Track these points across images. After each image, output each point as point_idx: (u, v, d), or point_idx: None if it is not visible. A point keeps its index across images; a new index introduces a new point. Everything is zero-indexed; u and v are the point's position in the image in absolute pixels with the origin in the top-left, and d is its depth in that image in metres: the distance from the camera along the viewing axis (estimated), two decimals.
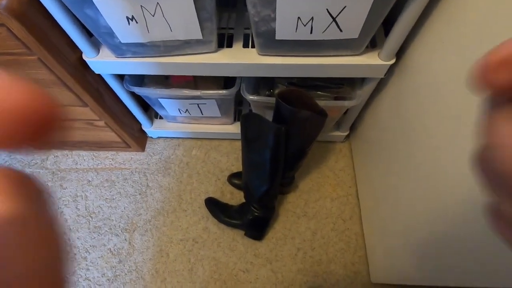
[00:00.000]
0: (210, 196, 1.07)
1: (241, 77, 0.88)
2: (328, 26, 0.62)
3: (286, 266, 0.97)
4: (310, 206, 1.06)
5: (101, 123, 0.95)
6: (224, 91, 0.87)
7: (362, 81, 0.85)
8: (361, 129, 1.04)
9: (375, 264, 0.92)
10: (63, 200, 1.10)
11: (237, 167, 1.14)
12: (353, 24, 0.62)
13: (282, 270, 0.97)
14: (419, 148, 0.66)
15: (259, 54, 0.74)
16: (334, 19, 0.61)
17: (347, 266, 0.97)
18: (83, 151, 1.19)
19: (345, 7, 0.58)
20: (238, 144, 1.18)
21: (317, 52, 0.72)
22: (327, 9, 0.58)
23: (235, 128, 1.12)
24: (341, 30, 0.64)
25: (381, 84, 0.83)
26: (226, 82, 0.97)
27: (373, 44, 0.74)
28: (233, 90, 0.87)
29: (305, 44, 0.68)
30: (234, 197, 1.09)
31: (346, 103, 0.84)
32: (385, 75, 0.75)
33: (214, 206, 1.03)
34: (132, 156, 1.17)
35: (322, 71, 0.75)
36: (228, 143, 1.19)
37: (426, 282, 0.71)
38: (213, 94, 0.88)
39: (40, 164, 1.17)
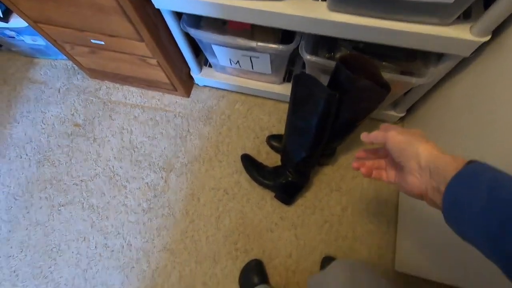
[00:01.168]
0: (246, 152, 1.07)
1: (301, 34, 0.81)
2: None
3: (310, 234, 0.98)
4: (346, 182, 1.03)
5: (153, 61, 0.96)
6: (280, 46, 0.81)
7: (439, 57, 0.74)
8: (421, 113, 0.95)
9: (402, 253, 0.89)
10: (110, 130, 1.17)
11: (278, 129, 1.11)
12: None
13: (305, 237, 0.98)
14: (496, 152, 0.58)
15: (329, 9, 0.66)
16: None
17: (372, 248, 0.95)
18: (132, 87, 1.22)
19: None
20: (283, 106, 1.14)
21: (397, 15, 0.62)
22: None
23: (282, 89, 1.08)
24: None
25: (462, 64, 0.72)
26: (283, 37, 0.90)
27: (467, 15, 0.63)
28: (290, 47, 0.81)
29: (386, 3, 0.59)
30: (270, 158, 1.08)
31: (414, 80, 0.75)
32: (471, 54, 0.65)
33: (249, 163, 1.04)
34: (177, 100, 1.19)
35: (398, 39, 0.66)
36: (272, 103, 1.15)
37: (449, 282, 0.67)
38: (269, 48, 0.82)
39: (94, 93, 1.23)
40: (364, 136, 0.43)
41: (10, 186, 1.14)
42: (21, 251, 1.05)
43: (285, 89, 1.07)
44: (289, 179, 0.94)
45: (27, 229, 1.08)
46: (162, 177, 1.09)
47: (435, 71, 0.74)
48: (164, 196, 1.07)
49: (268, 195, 1.03)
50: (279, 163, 1.00)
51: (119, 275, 0.99)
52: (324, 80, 0.88)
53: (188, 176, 1.08)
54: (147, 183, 1.09)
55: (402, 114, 1.01)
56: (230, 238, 1.00)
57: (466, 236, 0.29)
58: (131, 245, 1.03)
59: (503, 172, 0.29)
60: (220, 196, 1.05)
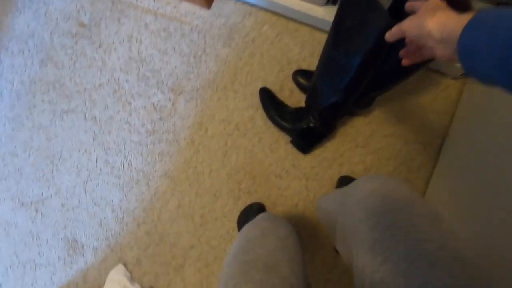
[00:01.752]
0: (267, 86, 0.92)
1: None
2: None
3: (322, 189, 0.88)
4: (375, 139, 0.88)
5: None
6: None
7: None
8: None
9: None
10: (118, 37, 1.02)
11: (309, 63, 0.93)
12: None
13: (316, 191, 0.89)
14: None
15: None
16: None
17: None
18: None
19: None
20: (320, 36, 0.93)
21: None
22: None
23: (324, 13, 0.86)
24: None
25: None
26: None
27: None
28: None
29: None
30: (293, 97, 0.93)
31: None
32: None
33: (268, 99, 0.90)
34: (196, 11, 1.00)
35: None
36: (307, 31, 0.94)
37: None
38: None
39: None
40: (388, 36, 0.44)
41: (13, 83, 1.07)
42: (25, 151, 1.03)
43: (328, 14, 0.85)
44: (311, 125, 0.80)
45: (30, 130, 1.04)
46: (170, 99, 0.98)
47: None
48: (170, 120, 0.97)
49: (283, 139, 0.91)
50: (303, 104, 0.86)
51: (118, 192, 0.97)
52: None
53: (198, 102, 0.97)
54: (154, 103, 0.99)
55: None
56: (234, 176, 0.93)
57: (492, 79, 0.30)
58: (131, 165, 0.98)
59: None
60: (230, 130, 0.94)
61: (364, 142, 0.88)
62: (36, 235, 0.99)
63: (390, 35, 0.43)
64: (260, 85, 0.93)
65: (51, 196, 1.00)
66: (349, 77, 0.64)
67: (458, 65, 0.79)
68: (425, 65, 0.63)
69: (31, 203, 1.01)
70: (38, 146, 1.03)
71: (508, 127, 0.59)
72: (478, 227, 0.59)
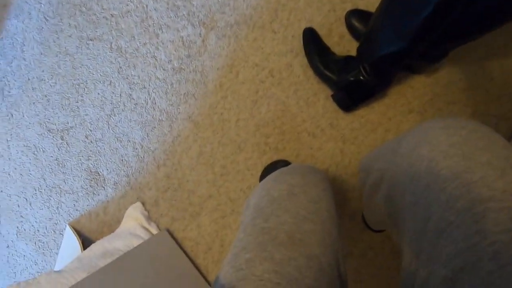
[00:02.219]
0: (313, 27, 0.78)
1: None
2: None
3: (360, 155, 0.78)
4: (436, 106, 0.74)
5: None
6: None
7: None
8: None
9: None
10: None
11: (367, 3, 0.76)
12: None
13: (353, 157, 0.78)
14: None
15: None
16: None
17: None
18: None
19: None
20: None
21: None
22: None
23: None
24: None
25: None
26: None
27: None
28: None
29: None
30: (342, 44, 0.78)
31: None
32: None
33: (313, 42, 0.76)
34: None
35: None
36: None
37: None
38: None
39: None
40: None
41: (41, 3, 1.00)
42: (52, 78, 1.00)
43: None
44: (360, 77, 0.67)
45: (57, 56, 1.00)
46: (200, 34, 0.87)
47: None
48: (199, 59, 0.88)
49: (323, 93, 0.79)
50: (353, 53, 0.72)
51: (140, 131, 0.93)
52: None
53: (231, 41, 0.85)
54: (182, 37, 0.88)
55: None
56: (262, 129, 0.84)
57: None
58: (155, 103, 0.92)
59: None
60: (263, 77, 0.83)
61: (420, 107, 0.74)
62: (61, 162, 1.01)
63: None
64: (304, 25, 0.79)
65: (76, 126, 0.99)
66: (422, 17, 0.49)
67: None
68: None
69: (57, 130, 1.00)
70: (65, 74, 0.99)
71: None
72: None
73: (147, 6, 0.91)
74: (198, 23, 0.87)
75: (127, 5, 0.93)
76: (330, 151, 0.79)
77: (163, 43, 0.90)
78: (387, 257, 0.76)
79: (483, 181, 0.27)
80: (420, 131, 0.34)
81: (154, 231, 0.89)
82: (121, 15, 0.94)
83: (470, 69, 0.72)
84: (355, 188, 0.78)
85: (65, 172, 1.01)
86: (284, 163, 0.80)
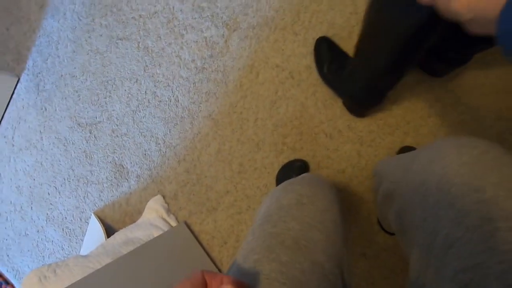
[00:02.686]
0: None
1: None
2: None
3: (377, 157, 0.78)
4: (458, 110, 0.73)
5: None
6: None
7: None
8: None
9: None
10: None
11: None
12: None
13: (369, 159, 0.79)
14: None
15: None
16: None
17: None
18: None
19: None
20: None
21: None
22: None
23: None
24: None
25: None
26: None
27: None
28: None
29: None
30: None
31: None
32: None
33: (326, 52, 0.77)
34: None
35: None
36: None
37: None
38: None
39: None
40: None
41: (76, 4, 1.07)
42: (83, 74, 1.07)
43: None
44: (365, 84, 0.66)
45: (88, 54, 1.06)
46: (223, 35, 0.90)
47: None
48: (221, 59, 0.91)
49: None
50: None
51: (163, 127, 0.97)
52: None
53: (253, 42, 0.87)
54: (206, 37, 0.92)
55: None
56: (280, 129, 0.86)
57: None
58: (178, 101, 0.96)
59: None
60: (283, 78, 0.85)
61: (442, 111, 0.73)
62: (89, 154, 1.07)
63: None
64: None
65: (103, 120, 1.04)
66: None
67: None
68: None
69: (86, 124, 1.07)
70: (95, 71, 1.05)
71: None
72: None
73: (173, 7, 0.95)
74: (222, 24, 0.90)
75: (155, 6, 0.97)
76: (347, 153, 0.80)
77: (187, 43, 0.94)
78: (400, 260, 0.76)
79: (493, 200, 0.27)
80: (433, 148, 0.35)
81: (173, 223, 0.92)
82: (148, 16, 0.98)
83: (495, 73, 0.70)
84: (371, 190, 0.78)
85: (92, 164, 1.06)
86: (301, 162, 0.82)
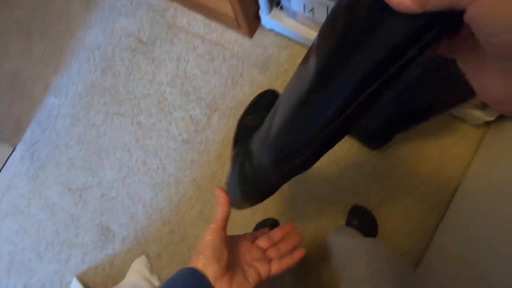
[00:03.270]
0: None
1: None
2: None
3: (336, 215, 0.94)
4: (392, 175, 0.93)
5: None
6: None
7: None
8: None
9: (424, 268, 0.82)
10: (169, 55, 1.17)
11: None
12: None
13: (329, 216, 0.94)
14: None
15: None
16: None
17: (396, 250, 0.89)
18: (198, 15, 1.17)
19: None
20: None
21: None
22: None
23: None
24: None
25: None
26: None
27: None
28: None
29: None
30: None
31: None
32: None
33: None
34: (238, 39, 1.12)
35: None
36: None
37: None
38: None
39: (162, 13, 1.21)
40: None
41: (78, 85, 1.25)
42: (78, 144, 1.19)
43: None
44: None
45: (84, 127, 1.20)
46: (206, 114, 1.10)
47: None
48: (204, 133, 1.09)
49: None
50: None
51: (151, 192, 1.09)
52: None
53: (230, 120, 1.07)
54: (191, 116, 1.11)
55: (491, 119, 0.83)
56: None
57: None
58: (165, 168, 1.10)
59: None
60: None
61: (381, 176, 0.93)
62: (76, 218, 1.14)
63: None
64: None
65: (94, 185, 1.14)
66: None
67: (482, 114, 0.82)
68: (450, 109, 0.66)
69: (77, 189, 1.16)
70: (89, 141, 1.19)
71: None
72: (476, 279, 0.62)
73: (164, 91, 1.15)
74: (205, 105, 1.10)
75: (148, 89, 1.17)
76: (311, 212, 0.95)
77: (175, 120, 1.12)
78: None
79: None
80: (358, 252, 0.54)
81: (156, 283, 0.98)
82: (142, 97, 1.17)
83: (415, 147, 0.93)
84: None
85: (78, 227, 1.13)
86: (273, 221, 0.95)
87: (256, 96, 0.70)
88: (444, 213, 0.86)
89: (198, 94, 1.12)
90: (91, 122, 1.20)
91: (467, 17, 0.16)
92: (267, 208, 0.99)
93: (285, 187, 0.97)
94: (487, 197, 0.72)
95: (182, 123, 1.11)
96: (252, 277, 0.36)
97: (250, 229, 0.98)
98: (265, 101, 0.70)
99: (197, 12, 1.17)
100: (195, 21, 1.17)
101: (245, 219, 1.00)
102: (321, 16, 0.84)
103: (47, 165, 1.20)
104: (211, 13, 1.10)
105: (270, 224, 0.95)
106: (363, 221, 0.87)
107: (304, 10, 0.86)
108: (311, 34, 0.97)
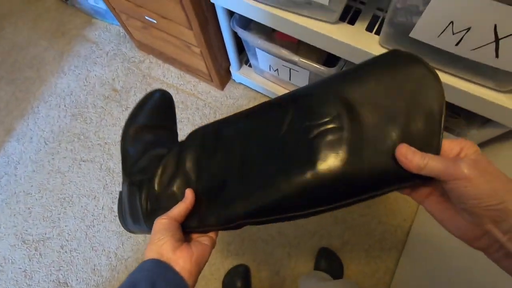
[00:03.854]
0: None
1: (346, 60, 0.79)
2: (484, 45, 0.49)
3: (303, 258, 0.96)
4: (353, 216, 1.00)
5: (197, 50, 0.97)
6: (322, 68, 0.79)
7: (484, 121, 0.69)
8: None
9: None
10: None
11: None
12: None
13: (298, 259, 0.97)
14: None
15: (380, 44, 0.63)
16: (497, 40, 0.47)
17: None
18: (173, 67, 1.26)
19: None
20: None
21: (450, 69, 0.58)
22: (495, 25, 0.45)
23: None
24: (497, 56, 0.50)
25: (509, 135, 0.67)
26: (329, 58, 0.88)
27: None
28: (331, 70, 0.79)
29: (441, 54, 0.56)
30: None
31: (452, 138, 0.70)
32: None
33: None
34: (211, 91, 1.21)
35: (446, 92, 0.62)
36: None
37: None
38: (310, 66, 0.81)
39: (137, 64, 1.29)
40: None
41: (45, 131, 1.23)
42: (39, 192, 1.14)
43: None
44: None
45: (48, 173, 1.16)
46: None
47: (477, 134, 0.69)
48: None
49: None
50: None
51: (116, 240, 1.05)
52: None
53: None
54: None
55: None
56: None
57: None
58: None
59: None
60: None
61: (342, 218, 0.99)
62: (29, 274, 1.04)
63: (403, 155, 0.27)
64: None
65: (53, 236, 1.07)
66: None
67: None
68: None
69: (33, 241, 1.08)
70: (52, 189, 1.14)
71: None
72: None
73: None
74: None
75: (120, 136, 1.18)
76: (280, 256, 0.97)
77: None
78: None
79: None
80: None
81: None
82: (113, 143, 1.18)
83: None
84: None
85: (31, 285, 1.03)
86: (244, 267, 0.96)
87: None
88: (402, 251, 0.93)
89: None
90: (55, 169, 1.16)
91: (446, 187, 0.25)
92: (237, 254, 0.99)
93: (255, 231, 0.99)
94: (436, 234, 0.80)
95: None
96: (206, 240, 0.37)
97: (220, 277, 0.97)
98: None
99: (171, 65, 1.25)
100: (170, 73, 1.25)
101: (214, 266, 0.98)
102: (285, 75, 0.96)
103: (1, 215, 1.12)
104: (185, 67, 1.19)
105: (241, 270, 0.95)
106: (330, 263, 0.91)
107: (270, 69, 0.98)
108: (277, 89, 1.08)
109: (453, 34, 0.50)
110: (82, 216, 1.09)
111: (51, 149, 1.19)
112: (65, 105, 1.26)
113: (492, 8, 0.42)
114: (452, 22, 0.48)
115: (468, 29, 0.48)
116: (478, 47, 0.50)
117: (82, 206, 1.10)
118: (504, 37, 0.46)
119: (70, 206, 1.11)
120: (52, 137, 1.21)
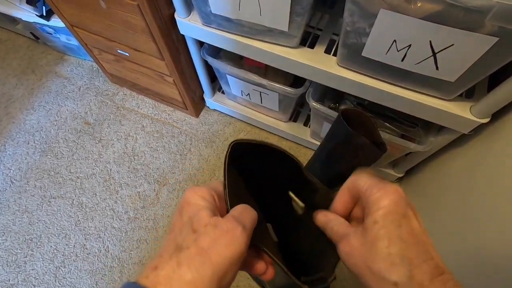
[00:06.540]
0: None
1: (311, 81, 0.84)
2: (425, 59, 0.55)
3: None
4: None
5: (170, 79, 1.01)
6: (289, 89, 0.84)
7: (439, 128, 0.75)
8: (419, 178, 0.94)
9: None
10: (117, 135, 1.21)
11: None
12: (453, 66, 0.54)
13: None
14: (480, 230, 0.57)
15: (338, 64, 0.69)
16: (434, 54, 0.54)
17: None
18: (147, 98, 1.28)
19: (452, 45, 0.50)
20: (286, 144, 1.16)
21: (400, 82, 0.65)
22: (430, 41, 0.52)
23: (287, 127, 1.10)
24: (437, 68, 0.56)
25: (462, 139, 0.73)
26: (296, 79, 0.94)
27: (469, 95, 0.65)
28: (299, 91, 0.84)
29: (391, 70, 0.62)
30: None
31: (412, 146, 0.76)
32: (470, 132, 0.65)
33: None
34: (186, 118, 1.23)
35: (399, 104, 0.68)
36: (276, 139, 1.17)
37: None
38: (278, 88, 0.86)
39: (111, 97, 1.29)
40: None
41: (11, 169, 1.17)
42: (3, 235, 1.06)
43: (290, 128, 1.09)
44: None
45: (14, 214, 1.09)
46: (154, 189, 1.10)
47: (434, 141, 0.75)
48: (152, 209, 1.07)
49: None
50: None
51: (89, 280, 0.98)
52: (325, 128, 0.89)
53: (180, 193, 1.09)
54: (139, 192, 1.10)
55: (401, 175, 1.01)
56: None
57: None
58: (108, 251, 1.02)
59: None
60: None
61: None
62: None
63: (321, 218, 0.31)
64: None
65: (18, 283, 0.99)
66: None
67: (393, 172, 0.99)
68: None
69: None
70: (18, 230, 1.07)
71: (440, 219, 0.75)
72: None
73: (110, 170, 1.15)
74: (153, 181, 1.12)
75: (93, 169, 1.16)
76: None
77: (121, 198, 1.10)
78: None
79: None
80: None
81: None
82: (86, 177, 1.14)
83: None
84: None
85: None
86: None
87: None
88: None
89: (146, 170, 1.14)
90: (22, 208, 1.10)
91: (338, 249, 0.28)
92: None
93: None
94: None
95: (129, 200, 1.09)
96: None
97: None
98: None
99: (146, 95, 1.27)
100: (144, 103, 1.27)
101: None
102: (256, 99, 1.00)
103: None
104: (159, 97, 1.22)
105: None
106: None
107: (242, 94, 1.02)
108: (250, 113, 1.12)
109: (398, 51, 0.56)
110: (51, 256, 1.02)
111: (18, 187, 1.14)
112: (34, 141, 1.22)
113: (423, 27, 0.49)
114: (395, 40, 0.55)
115: (409, 46, 0.54)
116: (420, 61, 0.56)
117: (51, 246, 1.04)
118: (440, 51, 0.53)
119: (37, 247, 1.04)
120: (19, 175, 1.16)
